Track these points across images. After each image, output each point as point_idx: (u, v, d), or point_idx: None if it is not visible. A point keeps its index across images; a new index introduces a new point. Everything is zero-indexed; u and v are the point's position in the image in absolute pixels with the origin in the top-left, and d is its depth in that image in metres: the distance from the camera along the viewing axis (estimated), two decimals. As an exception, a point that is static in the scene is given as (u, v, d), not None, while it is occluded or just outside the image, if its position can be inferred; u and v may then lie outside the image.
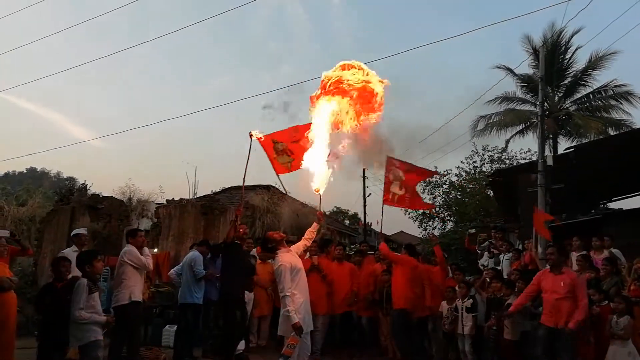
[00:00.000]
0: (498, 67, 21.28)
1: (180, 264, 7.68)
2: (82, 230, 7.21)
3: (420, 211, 25.40)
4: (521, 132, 21.66)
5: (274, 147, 6.90)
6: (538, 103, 11.53)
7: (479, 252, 9.27)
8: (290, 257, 4.95)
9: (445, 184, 24.92)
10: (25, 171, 62.66)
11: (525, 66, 21.89)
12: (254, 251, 8.18)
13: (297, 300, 4.78)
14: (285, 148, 6.90)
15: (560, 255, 5.82)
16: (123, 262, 5.95)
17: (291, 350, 4.52)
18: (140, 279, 6.15)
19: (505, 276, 7.52)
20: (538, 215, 8.26)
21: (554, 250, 5.78)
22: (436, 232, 24.09)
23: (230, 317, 6.11)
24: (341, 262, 7.92)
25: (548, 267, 5.86)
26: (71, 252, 6.56)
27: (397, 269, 7.28)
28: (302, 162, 6.28)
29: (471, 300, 6.89)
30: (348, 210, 39.02)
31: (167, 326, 8.18)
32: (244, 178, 6.36)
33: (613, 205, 14.24)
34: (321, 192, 5.64)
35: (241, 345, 7.45)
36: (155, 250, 10.86)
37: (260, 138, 6.66)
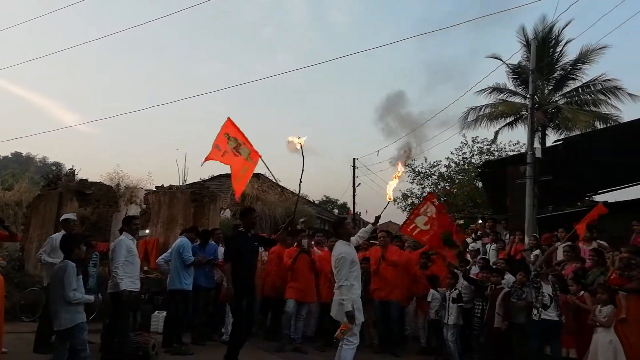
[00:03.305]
0: (491, 57, 21.31)
1: (169, 251, 7.66)
2: (71, 216, 7.13)
3: (410, 201, 25.62)
4: (510, 124, 21.84)
5: (228, 143, 6.81)
6: (528, 95, 11.63)
7: (475, 241, 9.42)
8: (349, 249, 5.27)
9: (435, 175, 25.10)
10: (10, 155, 61.72)
11: (517, 57, 21.91)
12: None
13: (355, 290, 5.11)
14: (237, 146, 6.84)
15: None
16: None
17: (341, 335, 4.87)
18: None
19: (492, 265, 7.65)
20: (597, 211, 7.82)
21: None
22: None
23: (237, 305, 6.01)
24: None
25: None
26: (60, 237, 6.51)
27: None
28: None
29: (457, 290, 6.99)
30: (337, 199, 39.15)
31: (156, 312, 8.19)
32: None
33: (599, 197, 14.46)
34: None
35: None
36: (147, 231, 10.81)
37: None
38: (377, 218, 6.35)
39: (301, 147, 6.56)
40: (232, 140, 6.74)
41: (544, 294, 6.02)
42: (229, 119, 6.82)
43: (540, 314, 5.99)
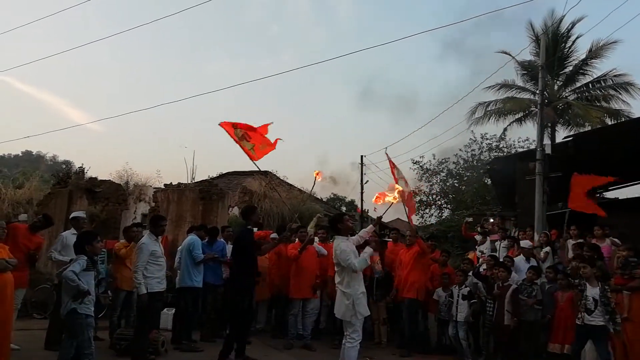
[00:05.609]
0: (500, 53, 21.10)
1: (179, 249, 7.69)
2: (81, 214, 7.20)
3: (417, 198, 25.54)
4: (519, 121, 21.63)
5: (234, 132, 7.09)
6: (538, 91, 11.52)
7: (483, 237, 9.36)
8: (348, 244, 5.26)
9: (443, 172, 24.99)
10: (20, 154, 62.29)
11: (526, 53, 21.70)
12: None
13: (355, 285, 5.14)
14: (245, 134, 7.10)
15: None
16: None
17: None
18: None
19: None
20: (580, 181, 7.35)
21: None
22: (433, 220, 24.26)
23: (235, 303, 6.07)
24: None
25: None
26: (70, 235, 6.57)
27: (415, 257, 7.33)
28: (261, 150, 6.80)
29: (468, 288, 6.95)
30: (345, 197, 39.05)
31: (165, 309, 8.22)
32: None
33: (610, 194, 14.32)
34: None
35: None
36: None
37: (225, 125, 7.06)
38: (379, 219, 6.39)
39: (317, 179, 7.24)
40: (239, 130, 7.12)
41: (587, 297, 5.50)
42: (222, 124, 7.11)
43: (583, 319, 5.48)
